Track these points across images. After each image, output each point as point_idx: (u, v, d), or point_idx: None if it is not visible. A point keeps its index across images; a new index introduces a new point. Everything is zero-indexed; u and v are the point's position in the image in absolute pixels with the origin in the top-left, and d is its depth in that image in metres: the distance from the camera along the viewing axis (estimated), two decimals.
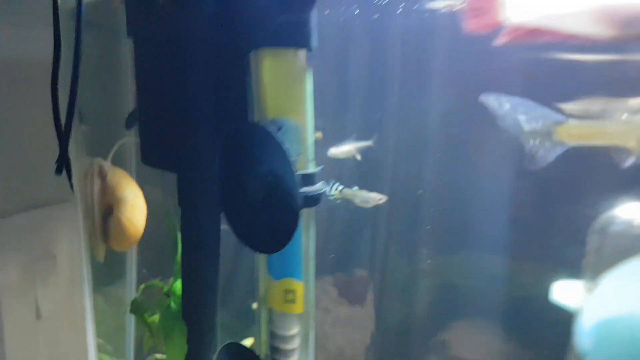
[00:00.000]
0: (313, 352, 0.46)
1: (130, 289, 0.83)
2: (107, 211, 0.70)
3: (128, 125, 0.69)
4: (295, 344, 0.46)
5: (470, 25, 0.46)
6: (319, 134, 0.75)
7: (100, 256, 0.70)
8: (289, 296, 0.44)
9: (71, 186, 0.62)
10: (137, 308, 0.59)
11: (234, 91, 0.45)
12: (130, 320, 0.85)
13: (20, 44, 0.75)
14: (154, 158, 0.54)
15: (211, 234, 0.54)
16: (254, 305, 0.62)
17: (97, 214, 0.69)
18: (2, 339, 0.79)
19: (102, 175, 0.69)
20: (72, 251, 0.87)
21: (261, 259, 0.47)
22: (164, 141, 0.52)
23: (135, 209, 0.67)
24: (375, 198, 0.82)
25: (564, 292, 0.50)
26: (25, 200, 0.78)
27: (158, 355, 0.77)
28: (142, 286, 0.61)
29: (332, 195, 0.91)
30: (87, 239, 0.69)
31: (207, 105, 0.47)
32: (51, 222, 0.83)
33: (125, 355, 0.84)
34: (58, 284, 0.86)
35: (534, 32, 0.44)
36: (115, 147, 0.70)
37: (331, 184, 0.91)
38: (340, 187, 0.91)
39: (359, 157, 0.93)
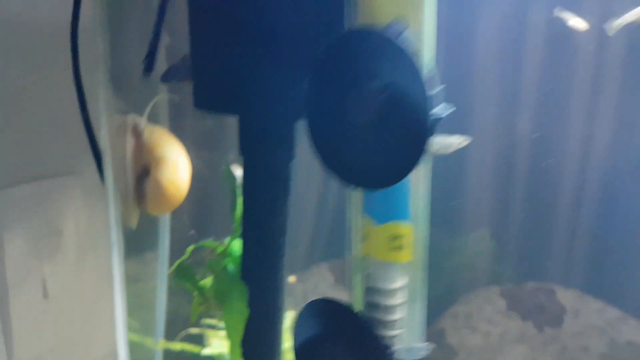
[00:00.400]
0: (424, 309, 0.40)
1: (162, 259, 0.76)
2: (143, 173, 0.63)
3: (165, 77, 0.62)
4: (399, 298, 0.39)
5: None
6: None
7: (133, 222, 0.63)
8: (395, 242, 0.38)
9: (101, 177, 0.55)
10: (185, 272, 0.52)
11: None
12: (162, 292, 0.77)
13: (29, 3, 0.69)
14: (212, 100, 0.47)
15: (281, 183, 0.47)
16: (291, 279, 0.55)
17: (130, 176, 0.62)
18: (9, 318, 0.72)
19: (137, 134, 0.62)
20: (78, 227, 0.81)
21: (355, 201, 0.40)
22: (226, 76, 0.45)
23: (177, 168, 0.61)
24: (456, 142, 0.75)
25: None
26: (30, 171, 0.71)
27: (193, 330, 0.70)
28: (191, 248, 0.54)
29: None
30: (120, 205, 0.61)
31: (285, 22, 0.40)
32: (57, 195, 0.77)
33: (154, 331, 0.77)
34: (65, 262, 0.80)
35: None
36: (152, 102, 0.63)
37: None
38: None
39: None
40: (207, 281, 0.55)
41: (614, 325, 0.98)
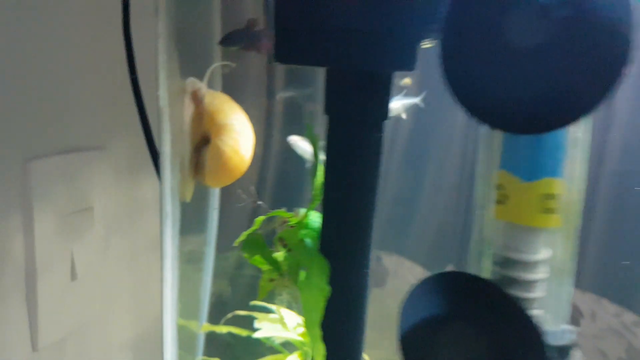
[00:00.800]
0: (571, 286, 0.34)
1: (210, 237, 0.71)
2: (202, 142, 0.58)
3: (225, 42, 0.57)
4: (541, 272, 0.34)
5: None
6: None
7: (188, 195, 0.58)
8: (548, 203, 0.33)
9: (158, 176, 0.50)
10: (256, 242, 0.46)
11: None
12: (207, 273, 0.72)
13: None
14: (298, 49, 0.42)
15: (373, 145, 0.42)
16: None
17: (188, 145, 0.57)
18: (36, 299, 0.68)
19: (198, 100, 0.57)
20: (107, 204, 0.77)
21: (490, 154, 0.35)
22: (315, 18, 0.40)
23: (241, 137, 0.56)
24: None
25: None
26: (61, 143, 0.67)
27: (239, 313, 0.65)
28: (261, 218, 0.49)
29: None
30: (179, 177, 0.56)
31: None
32: (86, 169, 0.73)
33: (198, 314, 0.72)
34: (93, 241, 0.76)
35: None
36: (212, 67, 0.58)
37: None
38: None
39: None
40: (279, 255, 0.50)
41: (631, 329, 0.95)
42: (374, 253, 0.45)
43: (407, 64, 0.39)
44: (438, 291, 0.33)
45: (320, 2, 0.37)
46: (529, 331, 0.29)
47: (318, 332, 0.42)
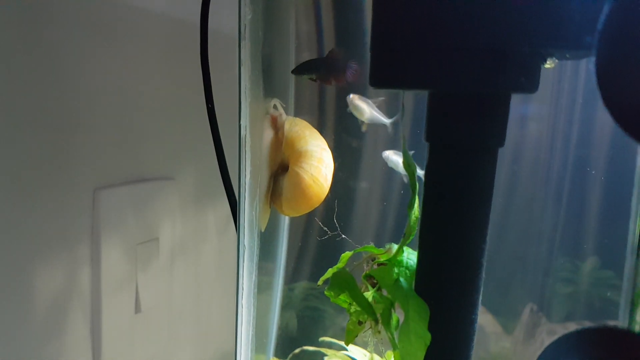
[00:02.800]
0: None
1: (279, 269, 0.67)
2: (280, 169, 0.54)
3: (298, 70, 0.53)
4: None
5: None
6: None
7: (263, 225, 0.54)
8: None
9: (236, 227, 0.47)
10: (345, 281, 0.42)
11: None
12: (275, 305, 0.68)
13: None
14: (398, 72, 0.39)
15: (482, 176, 0.38)
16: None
17: (266, 172, 0.53)
18: (100, 330, 0.65)
19: (277, 126, 0.53)
20: (174, 234, 0.75)
21: None
22: (418, 40, 0.36)
23: (321, 164, 0.52)
24: None
25: None
26: (131, 173, 0.66)
27: (308, 348, 0.60)
28: (347, 254, 0.44)
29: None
30: (258, 204, 0.52)
31: None
32: (154, 199, 0.71)
33: (265, 348, 0.68)
34: (159, 271, 0.73)
35: None
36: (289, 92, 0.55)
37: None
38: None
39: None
40: (368, 295, 0.45)
41: None
42: None
43: (529, 85, 0.35)
44: (579, 350, 0.28)
45: (432, 20, 0.33)
46: None
47: None
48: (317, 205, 0.52)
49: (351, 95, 0.59)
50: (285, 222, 0.68)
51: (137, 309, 0.74)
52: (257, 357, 0.68)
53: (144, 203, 0.73)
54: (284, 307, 0.70)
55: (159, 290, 0.77)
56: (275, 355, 0.66)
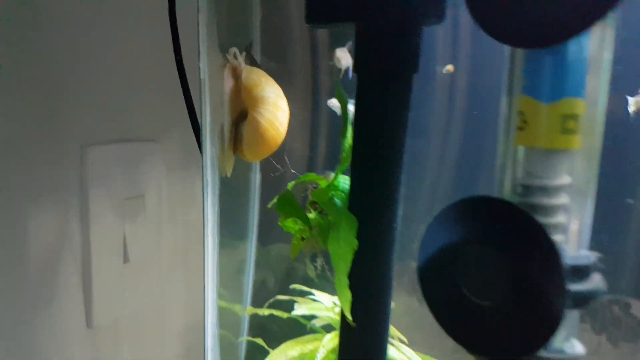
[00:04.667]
0: (592, 209, 0.33)
1: (251, 225, 0.72)
2: (240, 116, 0.59)
3: None
4: (563, 197, 0.33)
5: None
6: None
7: (228, 170, 0.59)
8: (569, 123, 0.31)
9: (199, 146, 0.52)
10: (288, 199, 0.47)
11: None
12: (250, 260, 0.73)
13: None
14: (327, 9, 0.43)
15: (401, 102, 0.42)
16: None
17: (227, 119, 0.58)
18: (91, 281, 0.70)
19: (236, 75, 0.58)
20: (160, 192, 0.79)
21: (513, 83, 0.34)
22: None
23: (277, 109, 0.56)
24: None
25: None
26: (117, 133, 0.70)
27: (281, 297, 0.65)
28: (291, 184, 0.49)
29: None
30: (217, 153, 0.57)
31: None
32: (139, 159, 0.76)
33: (242, 299, 0.73)
34: (146, 226, 0.78)
35: None
36: (249, 46, 0.59)
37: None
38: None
39: None
40: (311, 216, 0.50)
41: None
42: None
43: (434, 15, 0.39)
44: (458, 217, 0.32)
45: None
46: (549, 253, 0.27)
47: (346, 282, 0.41)
48: (275, 148, 0.57)
49: (330, 101, 0.63)
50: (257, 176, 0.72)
51: (126, 259, 0.79)
52: (234, 306, 0.73)
53: (129, 162, 0.78)
54: (261, 266, 0.75)
55: (147, 243, 0.82)
56: (253, 306, 0.71)
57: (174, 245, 0.89)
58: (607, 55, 0.32)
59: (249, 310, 0.70)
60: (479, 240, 0.30)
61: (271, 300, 0.68)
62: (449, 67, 0.66)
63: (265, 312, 0.66)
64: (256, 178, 0.72)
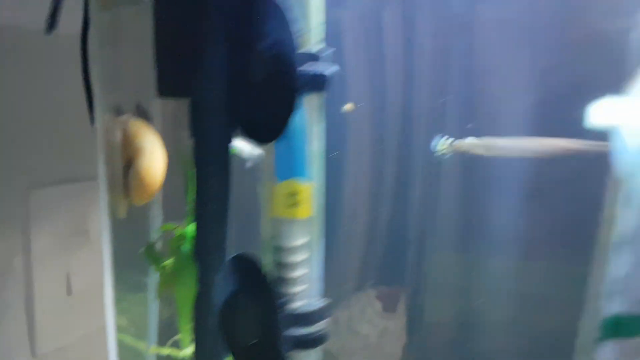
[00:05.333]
0: (321, 264, 0.39)
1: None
2: (128, 164, 0.66)
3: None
4: (302, 255, 0.39)
5: None
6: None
7: (122, 212, 0.66)
8: (292, 199, 0.37)
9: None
10: (151, 252, 0.53)
11: None
12: (152, 297, 0.79)
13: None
14: (168, 87, 0.49)
15: (220, 162, 0.48)
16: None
17: (117, 168, 0.65)
18: (33, 312, 0.75)
19: (124, 129, 0.65)
20: (102, 228, 0.83)
21: (268, 160, 0.40)
22: (175, 64, 0.47)
23: (152, 157, 0.63)
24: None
25: (603, 111, 0.42)
26: (59, 174, 0.75)
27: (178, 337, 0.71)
28: (160, 230, 0.56)
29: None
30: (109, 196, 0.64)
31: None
32: (83, 198, 0.80)
33: (148, 336, 0.78)
34: (90, 260, 0.82)
35: None
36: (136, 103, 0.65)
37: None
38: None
39: None
40: (166, 263, 0.56)
41: None
42: None
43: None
44: (227, 273, 0.39)
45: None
46: (273, 302, 0.34)
47: (188, 320, 0.47)
48: (154, 193, 0.63)
49: None
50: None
51: (69, 291, 0.85)
52: (139, 343, 0.79)
53: (73, 201, 0.83)
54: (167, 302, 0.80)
55: (90, 275, 0.87)
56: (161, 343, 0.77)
57: (118, 276, 0.93)
58: (318, 145, 0.37)
59: (153, 349, 0.75)
60: (238, 291, 0.37)
61: (175, 338, 0.73)
62: (348, 106, 0.71)
63: (165, 351, 0.71)
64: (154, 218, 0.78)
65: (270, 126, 0.35)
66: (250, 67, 0.35)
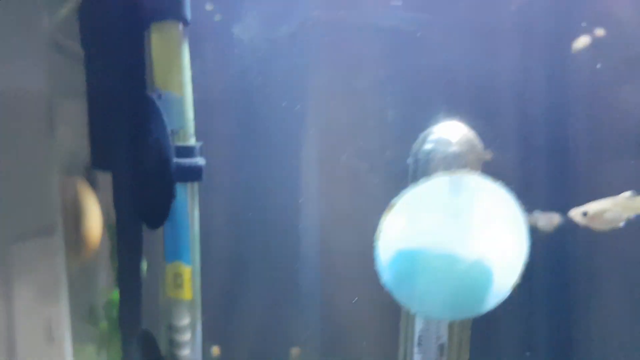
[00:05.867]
0: (200, 346, 0.42)
1: None
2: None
3: None
4: (187, 334, 0.42)
5: None
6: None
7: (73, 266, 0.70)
8: (177, 280, 0.41)
9: None
10: (93, 317, 0.57)
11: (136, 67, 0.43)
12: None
13: (15, 77, 0.79)
14: (96, 160, 0.53)
15: (132, 235, 0.51)
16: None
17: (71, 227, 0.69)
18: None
19: (74, 191, 0.69)
20: (59, 280, 0.87)
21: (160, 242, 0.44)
22: (99, 140, 0.51)
23: (90, 218, 0.67)
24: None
25: None
26: (40, 225, 0.79)
27: None
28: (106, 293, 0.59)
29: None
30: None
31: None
32: (59, 249, 0.84)
33: None
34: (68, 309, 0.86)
35: None
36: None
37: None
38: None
39: None
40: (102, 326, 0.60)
41: None
42: None
43: None
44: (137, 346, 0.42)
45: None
46: None
47: None
48: (91, 254, 0.67)
49: None
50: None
51: (51, 338, 0.90)
52: None
53: (54, 252, 0.88)
54: None
55: (73, 323, 0.92)
56: None
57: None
58: (196, 230, 0.41)
59: None
60: None
61: None
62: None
63: None
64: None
65: (155, 212, 0.38)
66: (137, 159, 0.39)
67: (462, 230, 0.37)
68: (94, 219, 0.66)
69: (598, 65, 0.57)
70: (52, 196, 0.83)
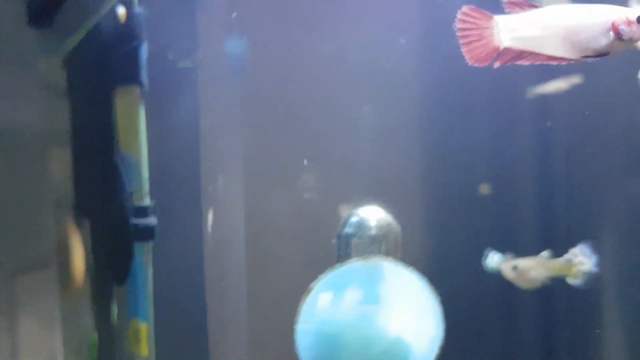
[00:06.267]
0: None
1: None
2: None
3: None
4: None
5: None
6: None
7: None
8: (136, 336, 0.42)
9: None
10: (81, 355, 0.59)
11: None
12: None
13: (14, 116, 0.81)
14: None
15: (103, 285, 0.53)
16: None
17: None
18: None
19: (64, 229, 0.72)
20: (53, 314, 0.89)
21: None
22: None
23: (74, 257, 0.69)
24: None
25: None
26: (42, 258, 0.81)
27: None
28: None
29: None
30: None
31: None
32: (54, 282, 0.86)
33: None
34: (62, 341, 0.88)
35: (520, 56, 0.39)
36: None
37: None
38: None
39: None
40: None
41: None
42: None
43: None
44: None
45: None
46: None
47: None
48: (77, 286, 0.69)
49: None
50: None
51: None
52: None
53: (52, 285, 0.91)
54: None
55: (77, 351, 0.94)
56: None
57: None
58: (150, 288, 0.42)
59: None
60: None
61: None
62: None
63: None
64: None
65: (117, 269, 0.40)
66: (101, 219, 0.41)
67: (378, 312, 0.37)
68: (81, 256, 0.68)
69: None
70: (48, 231, 0.86)
